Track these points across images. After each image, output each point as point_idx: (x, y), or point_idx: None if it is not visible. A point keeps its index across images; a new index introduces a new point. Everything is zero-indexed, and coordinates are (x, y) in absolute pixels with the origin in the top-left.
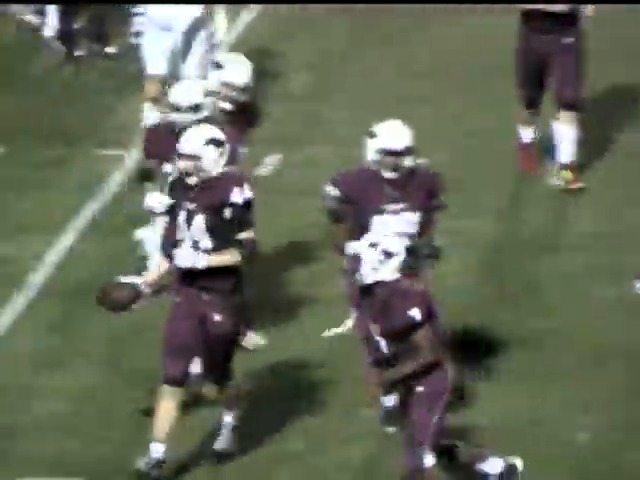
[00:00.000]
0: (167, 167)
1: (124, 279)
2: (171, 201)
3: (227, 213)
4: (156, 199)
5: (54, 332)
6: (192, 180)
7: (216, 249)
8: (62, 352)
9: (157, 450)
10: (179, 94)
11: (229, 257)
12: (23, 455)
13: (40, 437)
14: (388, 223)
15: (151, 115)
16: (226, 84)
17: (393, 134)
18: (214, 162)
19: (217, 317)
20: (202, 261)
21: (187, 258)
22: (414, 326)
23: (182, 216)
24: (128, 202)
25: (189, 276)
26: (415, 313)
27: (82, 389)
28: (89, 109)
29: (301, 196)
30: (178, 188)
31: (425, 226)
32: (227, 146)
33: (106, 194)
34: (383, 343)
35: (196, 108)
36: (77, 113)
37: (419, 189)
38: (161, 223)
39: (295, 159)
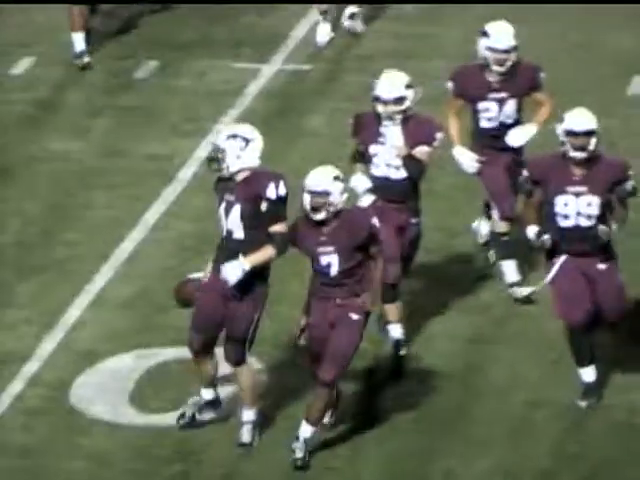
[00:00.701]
0: (373, 149)
1: (192, 276)
2: (370, 185)
3: (263, 206)
4: (360, 181)
5: (202, 221)
6: (320, 216)
7: (248, 241)
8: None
9: (208, 393)
10: (384, 87)
11: (266, 254)
12: None
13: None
14: (569, 203)
15: (323, 31)
16: (492, 49)
17: (578, 115)
18: (340, 196)
19: (240, 300)
20: (245, 266)
21: (233, 273)
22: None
23: (222, 208)
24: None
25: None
26: None
27: None
28: (232, 24)
29: None
30: (221, 184)
31: (607, 210)
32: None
33: (242, 103)
34: None
35: (400, 100)
36: (222, 28)
37: (604, 174)
38: (366, 200)
39: None
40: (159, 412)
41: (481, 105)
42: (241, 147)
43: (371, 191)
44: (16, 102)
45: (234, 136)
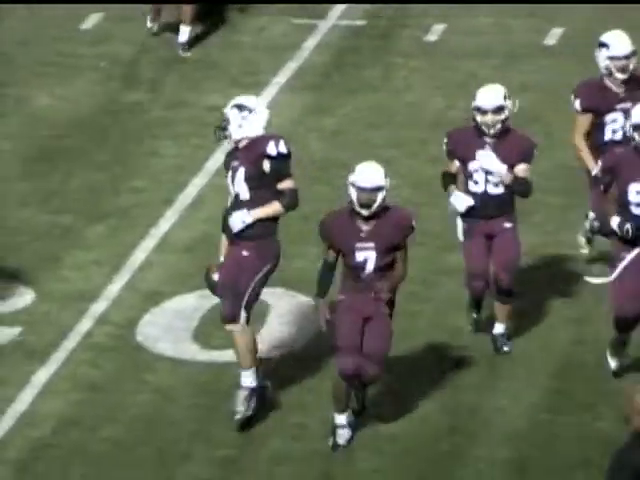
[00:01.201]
0: (472, 165)
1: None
2: (472, 202)
3: (265, 166)
4: (460, 199)
5: None
6: (369, 212)
7: (254, 201)
8: None
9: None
10: (483, 98)
11: (271, 208)
12: None
13: None
14: None
15: None
16: (613, 57)
17: None
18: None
19: (245, 252)
20: (248, 218)
21: (236, 222)
22: None
23: (229, 175)
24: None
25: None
26: None
27: None
28: None
29: None
30: (228, 158)
31: None
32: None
33: (300, 57)
34: None
35: (499, 110)
36: None
37: None
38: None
39: None
40: (220, 349)
41: (609, 117)
42: (243, 116)
43: (470, 208)
44: (86, 56)
45: (239, 106)
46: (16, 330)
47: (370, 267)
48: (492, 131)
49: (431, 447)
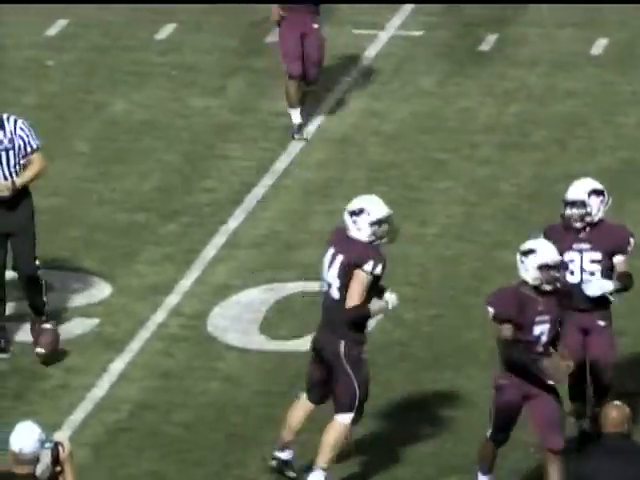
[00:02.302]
0: (568, 256)
1: None
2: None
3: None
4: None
5: (323, 169)
6: (579, 225)
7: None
8: None
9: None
10: (571, 189)
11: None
12: None
13: None
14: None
15: None
16: None
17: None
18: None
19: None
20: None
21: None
22: None
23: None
24: None
25: None
26: None
27: None
28: None
29: None
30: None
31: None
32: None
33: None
34: None
35: (581, 205)
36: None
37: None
38: None
39: None
40: (286, 339)
41: None
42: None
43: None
44: (160, 65)
45: (358, 212)
46: (95, 321)
47: (544, 340)
48: (578, 224)
49: None
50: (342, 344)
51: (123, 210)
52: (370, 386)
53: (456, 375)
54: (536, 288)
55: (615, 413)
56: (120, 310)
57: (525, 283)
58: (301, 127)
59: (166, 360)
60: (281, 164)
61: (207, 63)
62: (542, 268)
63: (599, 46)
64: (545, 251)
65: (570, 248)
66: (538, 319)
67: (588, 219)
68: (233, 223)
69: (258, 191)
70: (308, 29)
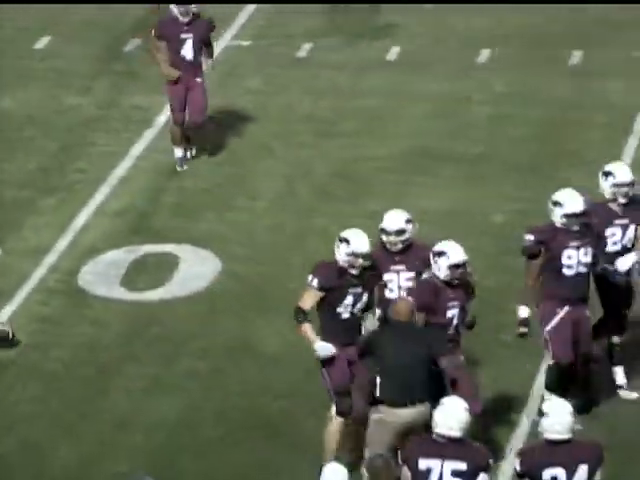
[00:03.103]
0: (387, 276)
1: None
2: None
3: None
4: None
5: (172, 153)
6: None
7: None
8: None
9: None
10: (388, 220)
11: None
12: None
13: None
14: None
15: None
16: (618, 185)
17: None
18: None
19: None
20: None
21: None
22: None
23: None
24: None
25: None
26: None
27: None
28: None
29: None
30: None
31: None
32: None
33: None
34: None
35: (400, 232)
36: None
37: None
38: None
39: None
40: (142, 291)
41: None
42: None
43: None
44: (40, 70)
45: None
46: None
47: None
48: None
49: None
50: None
51: (10, 187)
52: (204, 326)
53: (280, 317)
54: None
55: (404, 306)
56: (8, 268)
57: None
58: (182, 160)
59: (45, 308)
60: (138, 149)
61: (77, 68)
62: (451, 267)
63: (393, 53)
64: (455, 253)
65: (388, 270)
66: (449, 304)
67: (405, 243)
68: (100, 197)
69: (119, 172)
70: (192, 83)
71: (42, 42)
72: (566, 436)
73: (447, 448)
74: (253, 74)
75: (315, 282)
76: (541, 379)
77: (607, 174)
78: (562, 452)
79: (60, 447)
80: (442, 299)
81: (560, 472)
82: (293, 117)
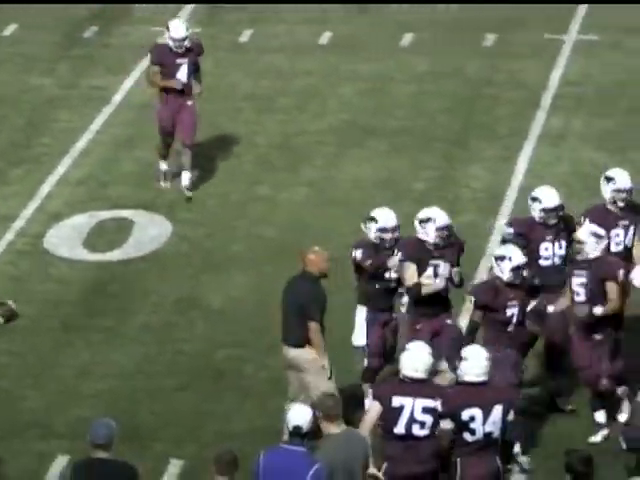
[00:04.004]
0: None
1: None
2: None
3: None
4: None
5: (133, 126)
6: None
7: None
8: None
9: None
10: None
11: None
12: None
13: None
14: None
15: None
16: (618, 190)
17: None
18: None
19: None
20: None
21: None
22: None
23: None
24: None
25: None
26: None
27: None
28: None
29: None
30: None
31: None
32: None
33: None
34: None
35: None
36: None
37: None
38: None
39: None
40: (102, 252)
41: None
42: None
43: None
44: (8, 54)
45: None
46: None
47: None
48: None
49: None
50: None
51: None
52: (156, 284)
53: (225, 275)
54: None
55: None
56: None
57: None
58: (166, 173)
59: (14, 268)
60: (97, 125)
61: (41, 53)
62: (439, 230)
63: (325, 37)
64: (440, 217)
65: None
66: (509, 303)
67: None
68: (63, 168)
69: (81, 145)
70: (183, 105)
71: (9, 30)
72: (483, 378)
73: (416, 387)
74: (203, 58)
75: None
76: None
77: (609, 179)
78: (479, 394)
79: (28, 395)
80: (502, 299)
81: (477, 412)
82: (237, 96)
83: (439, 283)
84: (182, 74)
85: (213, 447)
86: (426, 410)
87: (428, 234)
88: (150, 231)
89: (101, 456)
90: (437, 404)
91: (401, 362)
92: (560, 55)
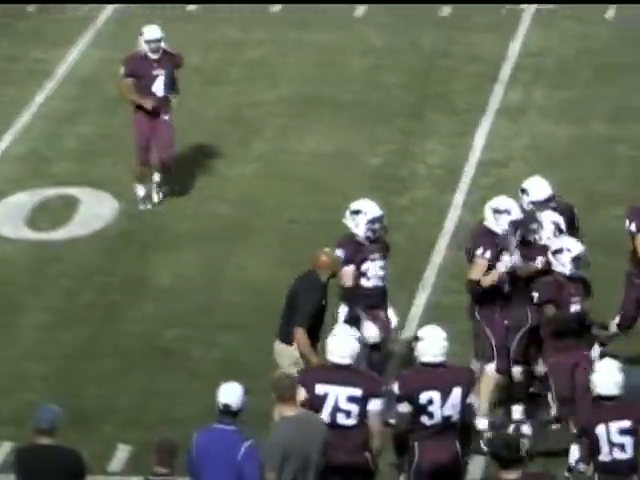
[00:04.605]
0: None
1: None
2: None
3: None
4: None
5: (76, 101)
6: None
7: None
8: None
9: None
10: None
11: None
12: None
13: None
14: None
15: None
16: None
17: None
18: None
19: None
20: None
21: None
22: None
23: None
24: None
25: None
26: None
27: None
28: None
29: None
30: None
31: None
32: None
33: None
34: None
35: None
36: None
37: None
38: None
39: None
40: (46, 231)
41: None
42: None
43: None
44: None
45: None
46: None
47: None
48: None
49: None
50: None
51: None
52: (102, 263)
53: (172, 253)
54: None
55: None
56: None
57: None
58: (145, 198)
59: None
60: (40, 99)
61: None
62: (369, 223)
63: (277, 7)
64: (371, 209)
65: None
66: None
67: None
68: (4, 144)
69: (24, 119)
70: (160, 120)
71: None
72: (440, 359)
73: (342, 375)
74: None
75: None
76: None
77: (523, 190)
78: (437, 375)
79: None
80: (565, 294)
81: (435, 395)
82: (185, 68)
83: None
84: (158, 87)
85: (160, 430)
86: (351, 399)
87: (358, 226)
88: (96, 209)
89: (45, 442)
90: (362, 392)
91: (327, 347)
92: (519, 26)
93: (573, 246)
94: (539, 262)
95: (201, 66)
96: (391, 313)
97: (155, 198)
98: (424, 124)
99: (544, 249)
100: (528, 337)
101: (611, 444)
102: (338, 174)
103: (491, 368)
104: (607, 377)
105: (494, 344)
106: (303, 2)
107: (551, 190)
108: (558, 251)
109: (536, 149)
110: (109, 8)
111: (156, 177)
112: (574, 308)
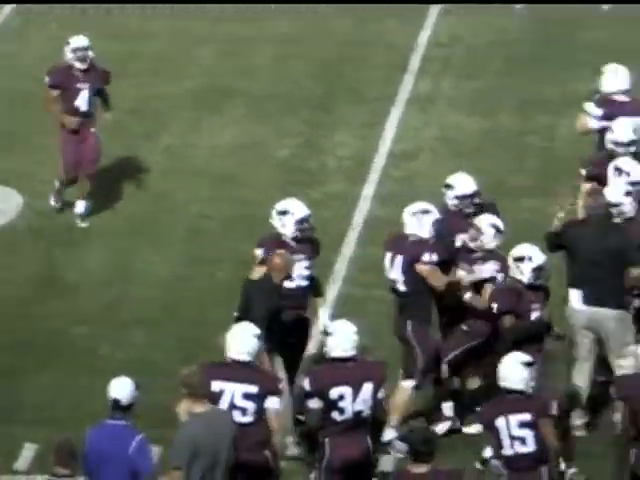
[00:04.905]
0: None
1: None
2: None
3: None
4: None
5: None
6: None
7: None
8: None
9: None
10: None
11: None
12: None
13: None
14: None
15: None
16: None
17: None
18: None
19: None
20: None
21: None
22: None
23: None
24: None
25: None
26: None
27: None
28: None
29: None
30: None
31: None
32: None
33: None
34: None
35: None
36: None
37: None
38: None
39: None
40: None
41: None
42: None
43: None
44: None
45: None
46: None
47: None
48: None
49: None
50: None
51: None
52: (8, 259)
53: (80, 249)
54: None
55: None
56: None
57: None
58: (58, 197)
59: None
60: None
61: None
62: (297, 223)
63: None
64: (298, 209)
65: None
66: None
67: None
68: None
69: None
70: (85, 134)
71: None
72: (351, 353)
73: (238, 371)
74: (50, 20)
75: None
76: None
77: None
78: (348, 371)
79: None
80: (524, 302)
81: (346, 390)
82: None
83: (296, 281)
84: (82, 101)
85: (67, 429)
86: (247, 396)
87: (285, 226)
88: (0, 204)
89: None
90: (258, 390)
91: (227, 343)
92: (428, 16)
93: (536, 256)
94: (486, 270)
95: (102, 58)
96: (321, 314)
97: (82, 210)
98: (333, 115)
99: (492, 254)
100: (473, 351)
101: (511, 437)
102: (249, 168)
103: (409, 384)
104: (511, 371)
105: (421, 367)
106: None
107: (476, 186)
108: (519, 259)
109: (445, 140)
110: (7, 8)
111: (83, 191)
112: (534, 315)
